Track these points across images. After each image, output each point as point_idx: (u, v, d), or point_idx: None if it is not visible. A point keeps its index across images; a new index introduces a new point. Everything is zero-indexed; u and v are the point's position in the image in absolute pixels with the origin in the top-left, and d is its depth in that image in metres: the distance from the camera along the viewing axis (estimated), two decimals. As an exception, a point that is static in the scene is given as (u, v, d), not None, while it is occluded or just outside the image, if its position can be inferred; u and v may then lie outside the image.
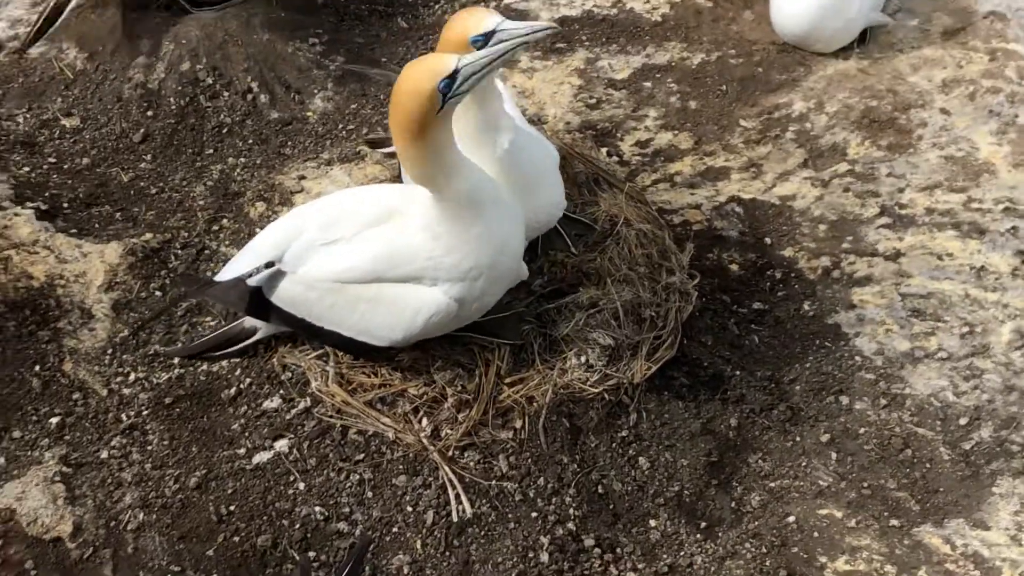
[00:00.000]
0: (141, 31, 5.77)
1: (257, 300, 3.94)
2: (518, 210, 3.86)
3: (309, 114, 5.61)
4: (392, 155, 5.06)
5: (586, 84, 5.83)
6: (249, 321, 4.24)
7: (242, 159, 5.37)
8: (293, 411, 4.13)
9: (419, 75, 3.41)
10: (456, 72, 3.40)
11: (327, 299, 3.85)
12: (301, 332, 4.08)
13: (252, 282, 3.93)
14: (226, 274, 4.03)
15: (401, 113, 3.44)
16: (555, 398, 4.05)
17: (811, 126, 5.55)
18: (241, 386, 4.23)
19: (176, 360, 4.33)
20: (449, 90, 3.40)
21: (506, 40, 3.55)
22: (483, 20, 3.67)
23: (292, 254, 3.88)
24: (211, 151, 5.42)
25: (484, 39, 3.62)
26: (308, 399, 4.14)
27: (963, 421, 4.27)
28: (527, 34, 3.60)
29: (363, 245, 3.80)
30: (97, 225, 4.89)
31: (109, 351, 4.38)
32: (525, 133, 4.21)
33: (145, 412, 4.19)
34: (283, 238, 3.92)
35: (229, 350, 4.30)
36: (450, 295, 3.76)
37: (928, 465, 4.17)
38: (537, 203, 4.17)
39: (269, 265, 3.90)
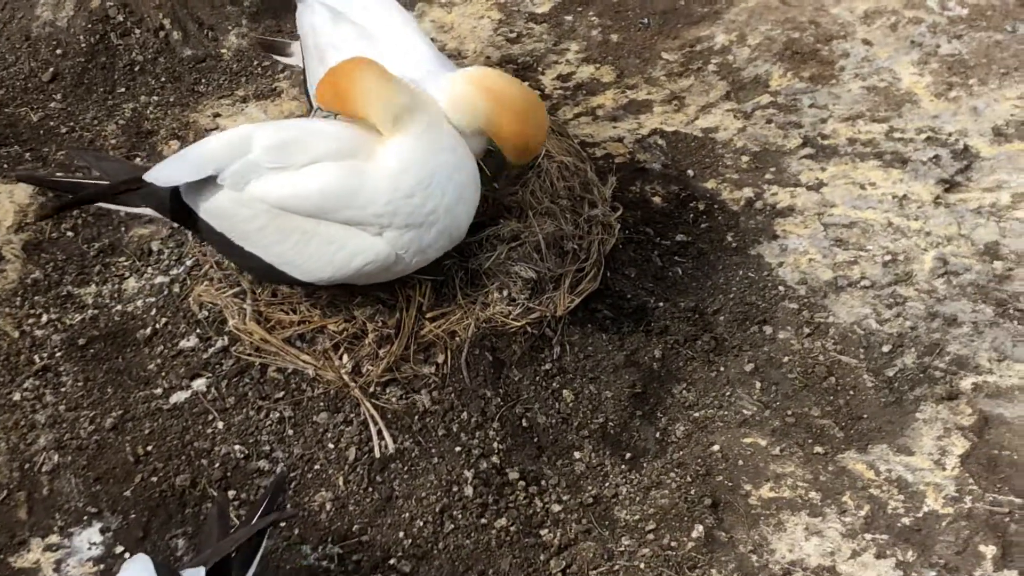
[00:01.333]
0: (48, -33, 5.67)
1: (177, 204, 3.78)
2: (474, 166, 3.85)
3: (223, 51, 5.53)
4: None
5: (506, 18, 5.79)
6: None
7: (155, 97, 5.29)
8: (210, 350, 4.09)
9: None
10: None
11: (259, 220, 3.70)
12: (217, 247, 3.94)
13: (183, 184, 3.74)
14: (155, 176, 3.77)
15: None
16: (477, 332, 4.04)
17: (733, 58, 5.55)
18: (157, 326, 4.18)
19: (90, 300, 4.27)
20: None
21: None
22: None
23: (233, 171, 3.67)
24: (123, 90, 5.33)
25: None
26: (226, 337, 4.10)
27: (886, 348, 4.31)
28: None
29: (315, 176, 3.64)
30: (6, 166, 4.81)
31: (20, 293, 4.31)
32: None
33: (58, 354, 4.14)
34: (226, 154, 3.70)
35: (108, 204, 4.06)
36: (395, 245, 3.69)
37: (852, 392, 4.20)
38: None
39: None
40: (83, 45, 5.44)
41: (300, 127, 3.85)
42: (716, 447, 4.06)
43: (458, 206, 3.75)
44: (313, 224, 3.69)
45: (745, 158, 5.05)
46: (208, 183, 3.71)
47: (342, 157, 3.67)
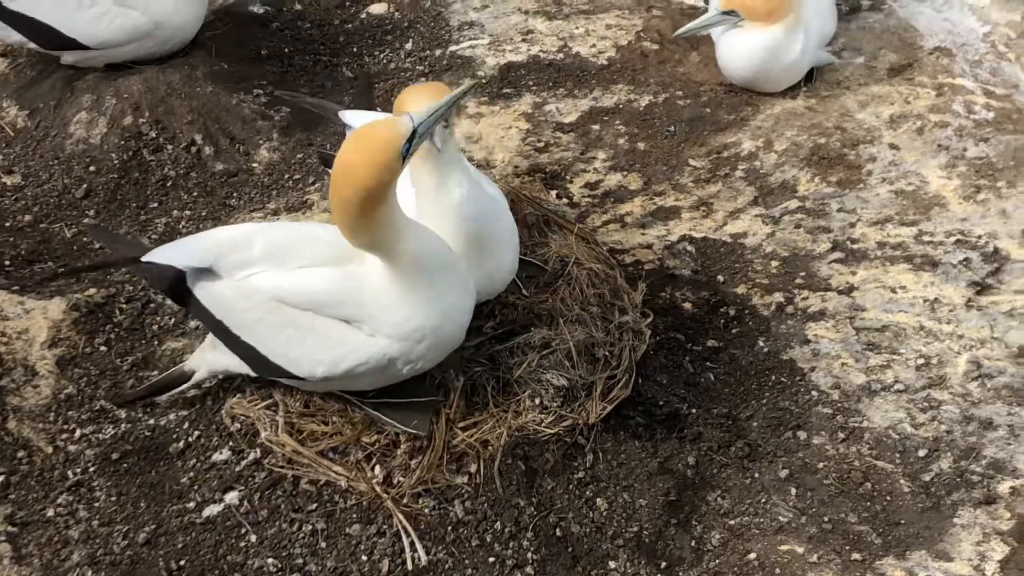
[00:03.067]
0: (82, 86, 5.77)
1: (179, 286, 3.83)
2: (469, 280, 3.84)
3: (255, 165, 5.61)
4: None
5: (534, 128, 5.86)
6: (188, 364, 4.20)
7: (187, 211, 5.36)
8: (243, 462, 4.09)
9: (378, 145, 3.36)
10: (415, 132, 3.38)
11: (257, 312, 3.76)
12: (215, 333, 3.94)
13: (179, 265, 3.82)
14: (156, 256, 3.88)
15: (355, 187, 3.37)
16: (510, 441, 4.03)
17: (760, 164, 5.59)
18: (189, 439, 4.19)
19: (123, 415, 4.29)
20: (407, 151, 3.39)
21: (429, 120, 3.48)
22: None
23: (233, 262, 3.77)
24: (155, 204, 5.40)
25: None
26: (258, 450, 4.10)
27: (922, 453, 4.28)
28: (455, 99, 3.56)
29: (315, 273, 3.72)
30: (40, 282, 4.85)
31: (54, 408, 4.33)
32: (484, 193, 4.20)
33: (92, 468, 4.15)
34: (228, 249, 3.79)
35: (169, 393, 4.25)
36: (385, 352, 3.71)
37: (888, 498, 4.17)
38: (493, 265, 4.16)
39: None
40: (116, 161, 5.53)
41: (300, 231, 3.92)
42: (753, 555, 4.02)
43: (445, 325, 3.76)
44: (309, 319, 3.73)
45: (775, 263, 5.07)
46: (210, 273, 3.81)
47: (340, 263, 3.74)
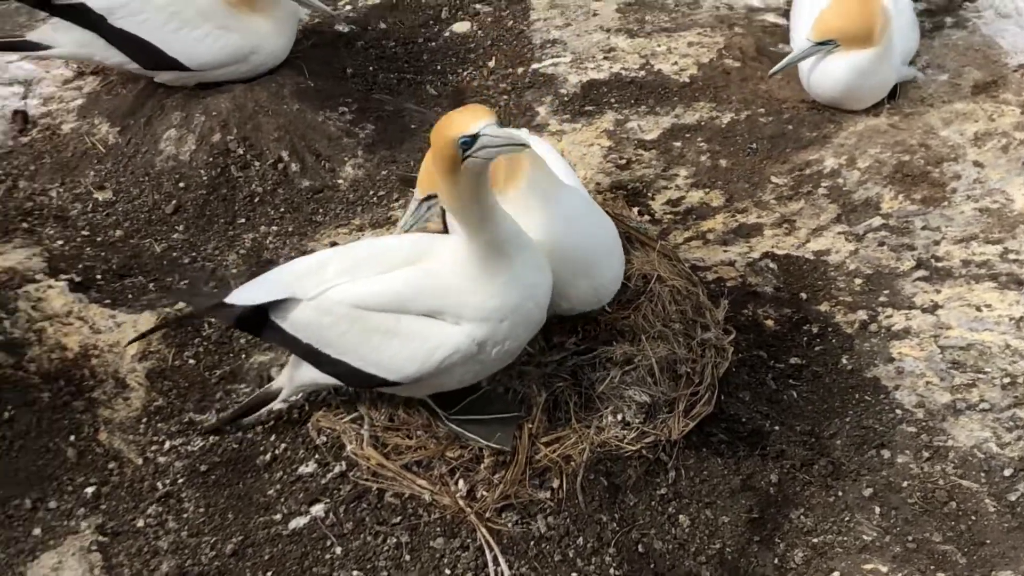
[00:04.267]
0: (171, 104, 5.85)
1: (264, 323, 3.93)
2: (545, 261, 3.85)
3: (340, 181, 5.66)
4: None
5: (616, 145, 5.87)
6: (275, 384, 4.26)
7: (274, 227, 5.42)
8: (328, 475, 4.13)
9: (447, 124, 3.48)
10: (476, 136, 3.43)
11: (341, 325, 3.81)
12: (306, 358, 3.99)
13: (260, 302, 3.92)
14: (237, 298, 3.99)
15: (434, 151, 3.53)
16: (592, 456, 4.04)
17: (843, 181, 5.57)
18: (276, 452, 4.23)
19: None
20: (468, 148, 3.43)
21: (496, 140, 3.53)
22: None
23: (308, 286, 3.86)
24: (243, 220, 5.47)
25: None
26: (343, 463, 4.14)
27: (1008, 472, 4.24)
28: (516, 144, 3.59)
29: (389, 277, 3.79)
30: (130, 295, 4.94)
31: (144, 420, 4.40)
32: (585, 207, 4.26)
33: (180, 480, 4.21)
34: (303, 278, 3.90)
35: (257, 413, 4.30)
36: (472, 336, 3.73)
37: (973, 517, 4.13)
38: (589, 283, 4.20)
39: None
40: (204, 178, 5.60)
41: (371, 246, 4.01)
42: (836, 573, 4.00)
43: (525, 303, 3.78)
44: (393, 321, 3.78)
45: (858, 281, 5.04)
46: (289, 303, 3.88)
47: (413, 263, 3.82)
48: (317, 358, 3.93)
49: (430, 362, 3.78)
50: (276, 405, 4.30)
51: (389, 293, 3.77)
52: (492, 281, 3.70)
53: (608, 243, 4.30)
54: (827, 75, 5.88)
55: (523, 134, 3.88)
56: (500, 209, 3.68)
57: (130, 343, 4.57)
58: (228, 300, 3.98)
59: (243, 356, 4.64)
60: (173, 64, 5.73)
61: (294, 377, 4.16)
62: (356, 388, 4.16)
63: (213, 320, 4.59)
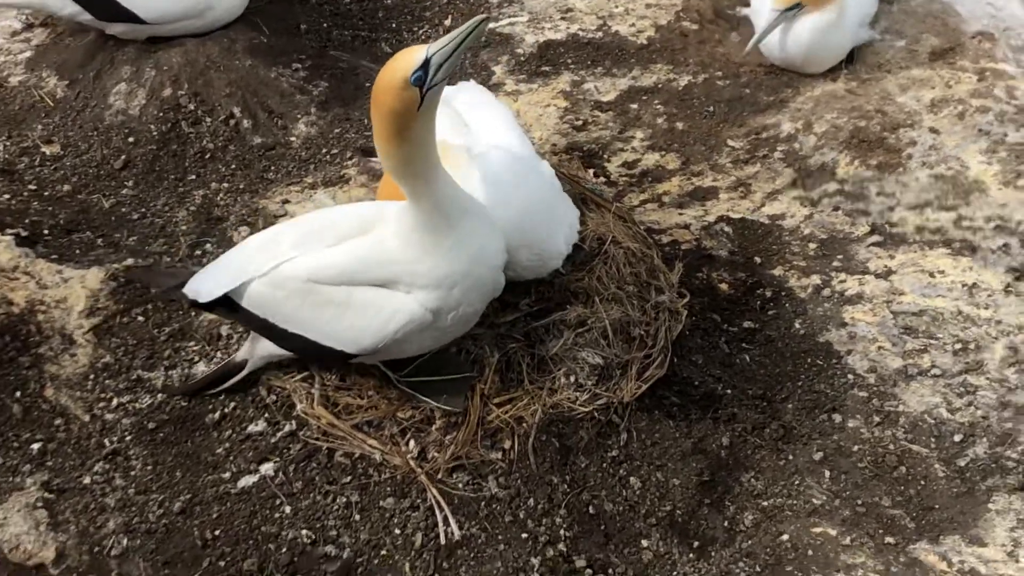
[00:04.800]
0: (122, 58, 5.79)
1: (221, 299, 3.94)
2: (495, 224, 3.83)
3: (292, 139, 5.62)
4: (375, 170, 5.10)
5: (572, 106, 5.86)
6: (240, 355, 4.22)
7: (225, 184, 5.37)
8: (278, 434, 4.11)
9: (392, 71, 3.38)
10: (427, 61, 3.36)
11: (294, 300, 3.79)
12: (263, 333, 3.99)
13: (222, 293, 3.92)
14: (195, 286, 4.01)
15: (380, 111, 3.43)
16: (544, 418, 4.04)
17: (800, 146, 5.58)
18: (225, 410, 4.21)
19: (159, 384, 4.31)
20: (423, 81, 3.37)
21: (446, 51, 3.48)
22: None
23: (261, 262, 3.84)
24: (193, 177, 5.43)
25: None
26: (293, 422, 4.12)
27: (957, 438, 4.28)
28: (468, 32, 3.52)
29: (339, 249, 3.77)
30: (78, 251, 4.88)
31: (91, 376, 4.36)
32: (521, 175, 4.21)
33: (128, 437, 4.17)
34: (259, 257, 3.88)
35: (224, 385, 4.26)
36: (425, 304, 3.70)
37: (923, 482, 4.17)
38: (530, 251, 4.18)
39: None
40: (155, 133, 5.55)
41: (322, 218, 3.97)
42: (785, 536, 4.03)
43: (475, 269, 3.76)
44: (345, 293, 3.76)
45: (812, 245, 5.06)
46: (245, 282, 3.88)
47: (364, 232, 3.80)
48: (273, 333, 3.93)
49: (385, 332, 3.76)
50: (201, 368, 4.30)
51: (339, 265, 3.75)
52: (438, 247, 3.68)
53: (549, 210, 4.28)
54: (787, 37, 5.88)
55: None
56: (443, 172, 3.65)
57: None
58: (188, 290, 4.02)
59: (192, 314, 4.59)
60: (128, 16, 5.65)
61: (255, 350, 4.14)
62: (313, 362, 4.17)
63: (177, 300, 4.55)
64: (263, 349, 4.12)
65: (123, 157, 5.46)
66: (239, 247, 4.07)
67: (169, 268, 4.82)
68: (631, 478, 4.08)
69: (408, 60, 3.38)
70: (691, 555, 3.98)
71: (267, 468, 4.04)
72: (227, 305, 3.94)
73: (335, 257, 3.76)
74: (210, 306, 4.00)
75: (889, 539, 4.00)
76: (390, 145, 3.50)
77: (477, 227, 3.75)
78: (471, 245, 3.72)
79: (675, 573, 3.94)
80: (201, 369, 4.33)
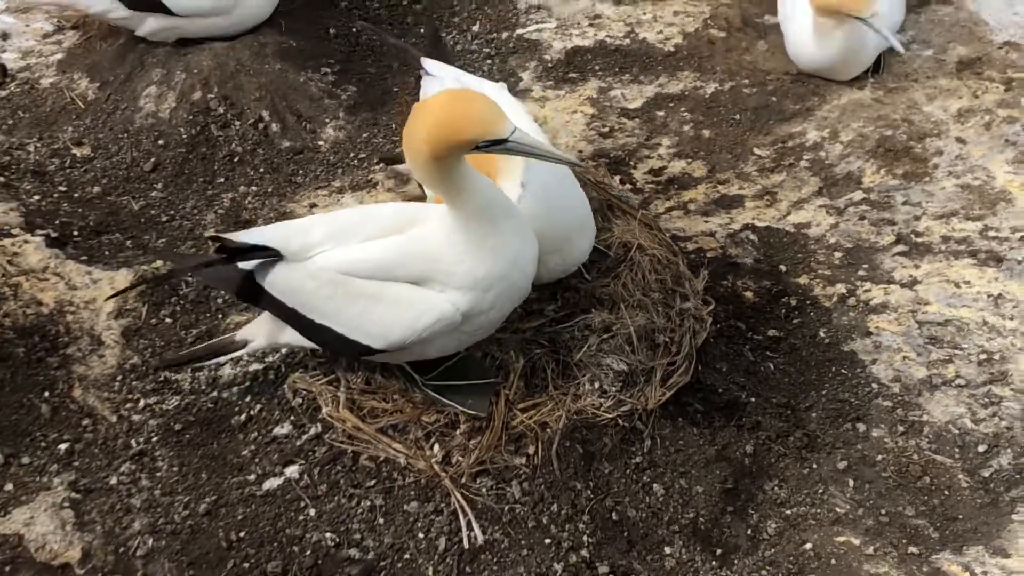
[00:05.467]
0: (152, 60, 5.83)
1: (248, 285, 3.88)
2: (531, 231, 3.81)
3: (321, 143, 5.64)
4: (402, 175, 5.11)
5: (599, 113, 5.86)
6: (241, 334, 4.20)
7: (253, 187, 5.40)
8: (304, 437, 4.12)
9: (472, 119, 3.39)
10: (504, 141, 3.40)
11: (326, 290, 3.78)
12: (289, 323, 3.96)
13: (244, 266, 3.87)
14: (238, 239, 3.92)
15: (432, 136, 3.40)
16: (568, 424, 4.04)
17: (826, 155, 5.57)
18: (251, 412, 4.22)
19: (186, 386, 4.33)
20: (487, 146, 3.41)
21: (524, 148, 3.47)
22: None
23: (294, 247, 3.81)
24: (222, 180, 5.45)
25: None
26: (319, 425, 4.13)
27: (982, 448, 4.26)
28: (553, 158, 3.55)
29: (375, 244, 3.76)
30: (107, 252, 4.91)
31: (119, 377, 4.38)
32: (549, 176, 4.18)
33: (154, 438, 4.19)
34: (289, 235, 3.85)
35: (220, 359, 4.26)
36: (457, 305, 3.69)
37: (947, 492, 4.14)
38: (560, 257, 4.20)
39: (268, 252, 3.83)
40: (184, 136, 5.58)
41: (357, 213, 3.96)
42: (808, 545, 4.01)
43: (511, 273, 3.75)
44: (378, 287, 3.75)
45: (838, 254, 5.05)
46: (276, 263, 3.84)
47: (399, 231, 3.79)
48: (300, 322, 3.90)
49: (414, 328, 3.75)
50: (253, 366, 4.30)
51: (375, 259, 3.74)
52: (479, 249, 3.67)
53: (579, 218, 4.30)
54: (815, 41, 5.87)
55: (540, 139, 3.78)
56: (480, 176, 3.64)
57: (109, 299, 4.56)
58: (226, 237, 3.93)
59: (220, 316, 4.62)
60: (156, 5, 5.66)
61: (273, 334, 4.12)
62: (337, 356, 4.15)
63: (194, 278, 4.57)
64: (275, 335, 4.11)
65: (152, 160, 5.49)
66: (273, 225, 4.01)
67: (188, 250, 4.85)
68: (654, 485, 4.08)
69: (493, 126, 3.40)
70: (714, 563, 3.97)
71: (292, 471, 4.05)
72: (254, 288, 3.88)
73: (371, 250, 3.75)
74: (238, 286, 3.92)
75: (913, 549, 3.98)
76: (422, 163, 3.50)
77: (516, 232, 3.74)
78: (510, 249, 3.71)
79: (697, 580, 3.94)
80: (228, 371, 4.34)
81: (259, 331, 4.17)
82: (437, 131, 3.41)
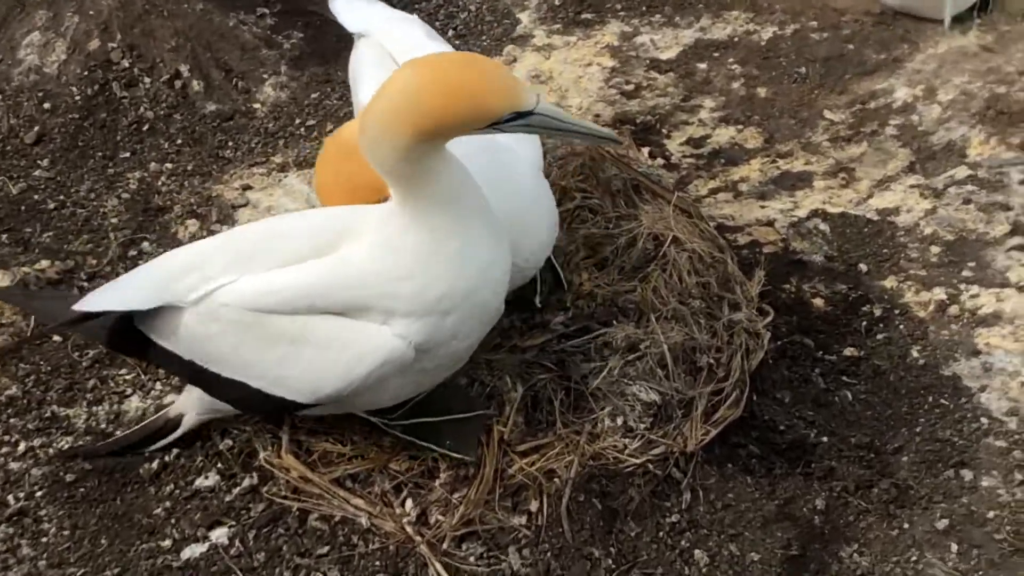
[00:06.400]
0: (35, 0, 5.82)
1: (123, 333, 3.82)
2: (503, 229, 3.74)
3: (256, 106, 5.65)
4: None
5: (621, 65, 5.88)
6: (175, 409, 4.19)
7: (168, 164, 5.40)
8: (235, 491, 4.12)
9: (495, 88, 3.32)
10: (530, 114, 3.34)
11: (232, 336, 3.68)
12: (193, 381, 3.93)
13: (121, 309, 3.79)
14: (91, 305, 3.84)
15: (434, 111, 3.31)
16: (583, 472, 4.04)
17: (919, 119, 5.58)
18: (166, 459, 4.21)
19: (80, 424, 4.33)
20: (504, 123, 3.34)
21: (553, 122, 3.42)
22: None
23: (186, 286, 3.70)
24: (128, 154, 5.46)
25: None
26: (255, 475, 4.13)
27: (1124, 503, 4.28)
28: (587, 132, 3.54)
29: (294, 270, 3.64)
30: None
31: (-8, 414, 4.39)
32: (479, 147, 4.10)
33: (39, 493, 4.18)
34: (179, 273, 3.75)
35: (153, 447, 4.24)
36: (407, 337, 3.60)
37: (1080, 560, 4.16)
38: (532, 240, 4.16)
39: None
40: (78, 98, 5.58)
41: (267, 229, 3.91)
42: (899, 630, 4.03)
43: (480, 289, 3.67)
44: (301, 325, 3.65)
45: (935, 249, 5.06)
46: (164, 307, 3.75)
47: (322, 253, 3.67)
48: (203, 379, 3.85)
49: (353, 376, 3.67)
50: (169, 396, 4.31)
51: (295, 287, 3.62)
52: (435, 258, 3.56)
53: (521, 209, 4.16)
54: None
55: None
56: (449, 153, 3.56)
57: None
58: (79, 306, 3.85)
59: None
60: None
61: (195, 401, 4.10)
62: (256, 416, 4.17)
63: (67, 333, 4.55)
64: (202, 403, 4.08)
65: (36, 129, 5.50)
66: (151, 264, 3.96)
67: (52, 290, 4.81)
68: (696, 551, 4.08)
69: (517, 97, 3.34)
70: (775, 654, 3.98)
71: (220, 535, 4.04)
72: (137, 340, 3.82)
73: (289, 277, 3.64)
74: (117, 341, 3.91)
75: (1034, 635, 4.00)
76: (397, 154, 3.39)
77: (489, 233, 3.67)
78: (480, 256, 3.64)
79: (753, 677, 3.95)
80: (135, 405, 4.34)
81: (188, 402, 4.15)
82: (444, 105, 3.31)
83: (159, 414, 4.26)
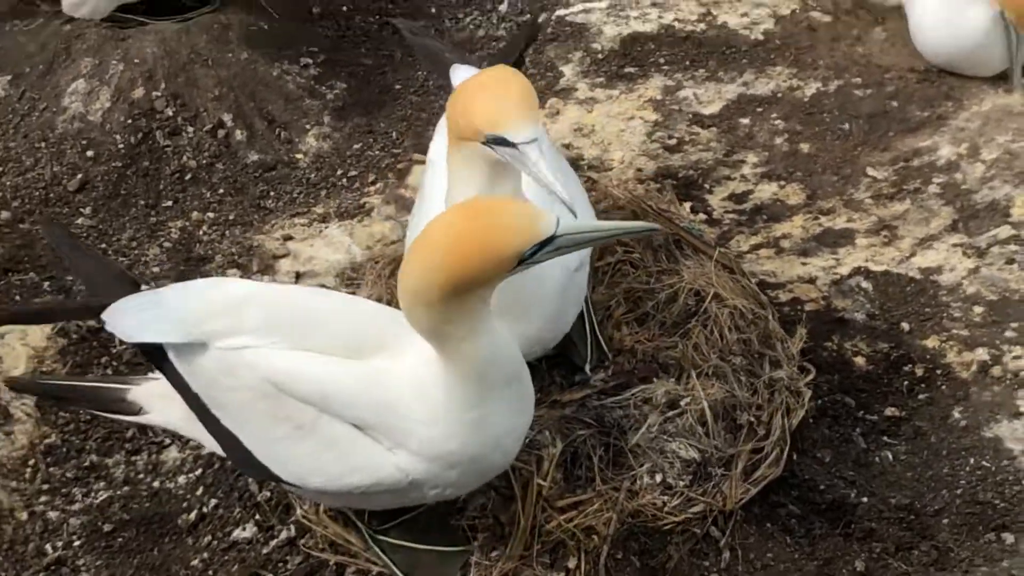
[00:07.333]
0: (80, 47, 5.86)
1: (154, 350, 3.76)
2: (530, 398, 3.72)
3: (299, 156, 5.67)
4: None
5: (664, 120, 5.88)
6: (135, 393, 4.06)
7: (210, 214, 5.42)
8: (272, 543, 4.12)
9: (505, 231, 3.24)
10: (552, 239, 3.25)
11: (245, 394, 3.66)
12: (190, 405, 3.80)
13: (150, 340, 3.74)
14: (116, 325, 3.78)
15: (455, 271, 3.24)
16: (621, 528, 4.03)
17: (963, 177, 5.57)
18: (204, 509, 4.23)
19: (119, 475, 4.33)
20: (532, 256, 3.26)
21: (578, 238, 3.33)
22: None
23: (217, 328, 3.67)
24: (169, 203, 5.48)
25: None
26: (292, 527, 4.13)
27: None
28: (620, 232, 3.54)
29: (327, 361, 3.60)
30: (19, 297, 4.93)
31: (31, 462, 4.39)
32: None
33: (76, 543, 4.19)
34: (212, 313, 3.71)
35: (100, 413, 4.17)
36: (406, 471, 3.59)
37: None
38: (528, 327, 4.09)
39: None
40: (121, 146, 5.61)
41: (314, 301, 3.87)
42: None
43: (491, 455, 3.67)
44: (313, 417, 3.62)
45: (978, 309, 5.04)
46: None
47: (364, 354, 3.65)
48: (204, 415, 3.79)
49: (343, 482, 3.66)
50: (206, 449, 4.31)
51: (320, 383, 3.59)
52: (458, 418, 3.54)
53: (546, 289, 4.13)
54: (948, 24, 5.89)
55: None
56: (493, 322, 3.51)
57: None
58: (107, 316, 3.80)
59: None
60: None
61: (186, 418, 3.95)
62: (239, 468, 4.16)
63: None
64: (195, 430, 3.95)
65: (79, 176, 5.52)
66: (197, 290, 3.88)
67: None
68: (735, 611, 4.08)
69: (534, 229, 3.25)
70: None
71: (257, 587, 4.06)
72: (157, 347, 3.75)
73: (320, 370, 3.60)
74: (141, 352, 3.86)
75: None
76: (432, 301, 3.32)
77: (513, 402, 3.65)
78: (496, 426, 3.61)
79: None
80: (174, 455, 4.35)
81: (164, 405, 4.01)
82: (459, 262, 3.24)
83: (119, 382, 4.14)
